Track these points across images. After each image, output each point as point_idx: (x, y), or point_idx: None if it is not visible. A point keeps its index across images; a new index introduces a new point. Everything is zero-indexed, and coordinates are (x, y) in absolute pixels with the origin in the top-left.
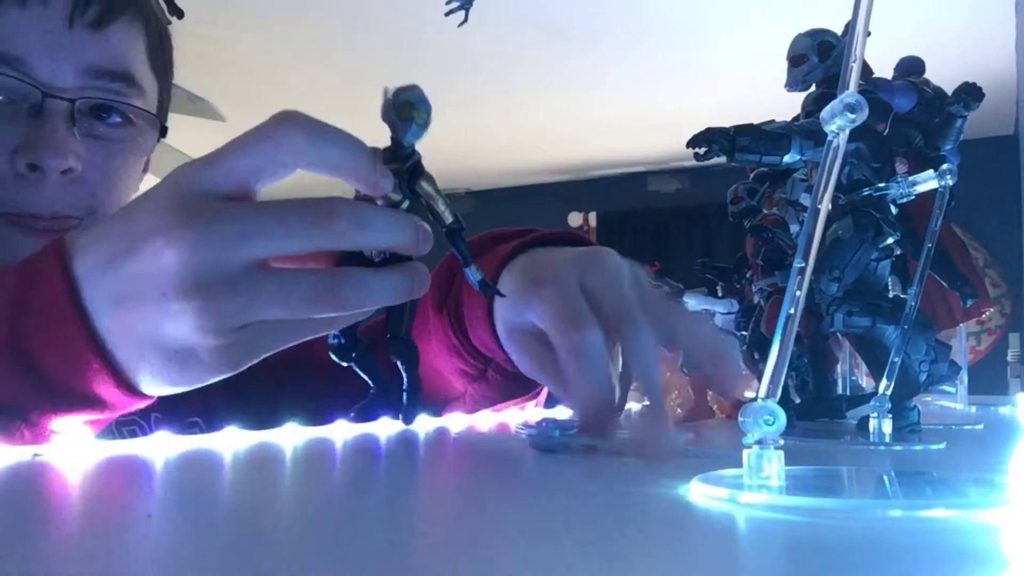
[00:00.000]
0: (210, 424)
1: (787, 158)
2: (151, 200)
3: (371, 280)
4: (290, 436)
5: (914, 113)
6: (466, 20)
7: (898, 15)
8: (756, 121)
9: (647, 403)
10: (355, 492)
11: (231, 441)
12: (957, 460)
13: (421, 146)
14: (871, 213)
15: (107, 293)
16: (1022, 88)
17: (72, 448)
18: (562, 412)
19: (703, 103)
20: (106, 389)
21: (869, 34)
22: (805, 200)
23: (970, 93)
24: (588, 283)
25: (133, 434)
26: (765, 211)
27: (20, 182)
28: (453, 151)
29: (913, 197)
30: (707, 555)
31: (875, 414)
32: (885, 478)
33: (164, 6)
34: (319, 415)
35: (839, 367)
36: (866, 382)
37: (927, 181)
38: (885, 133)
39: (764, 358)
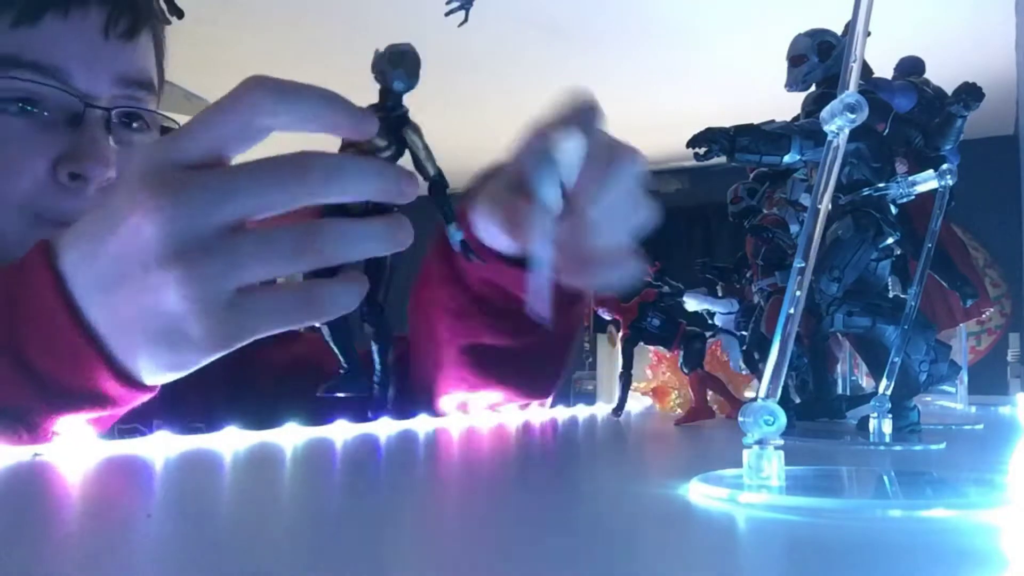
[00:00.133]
0: (212, 428)
1: (787, 158)
2: (124, 182)
3: (351, 228)
4: (290, 436)
5: (914, 113)
6: (466, 20)
7: (898, 15)
8: (756, 121)
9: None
10: (355, 492)
11: (231, 441)
12: (957, 460)
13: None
14: (871, 213)
15: (92, 282)
16: (1022, 88)
17: (72, 448)
18: None
19: (703, 103)
20: (105, 382)
21: (869, 34)
22: (805, 200)
23: (970, 93)
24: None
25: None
26: (765, 211)
27: (61, 191)
28: (453, 151)
29: (913, 197)
30: (707, 555)
31: (875, 414)
32: (885, 478)
33: (164, 6)
34: (318, 417)
35: (839, 367)
36: (866, 382)
37: (927, 181)
38: (885, 133)
39: (764, 358)
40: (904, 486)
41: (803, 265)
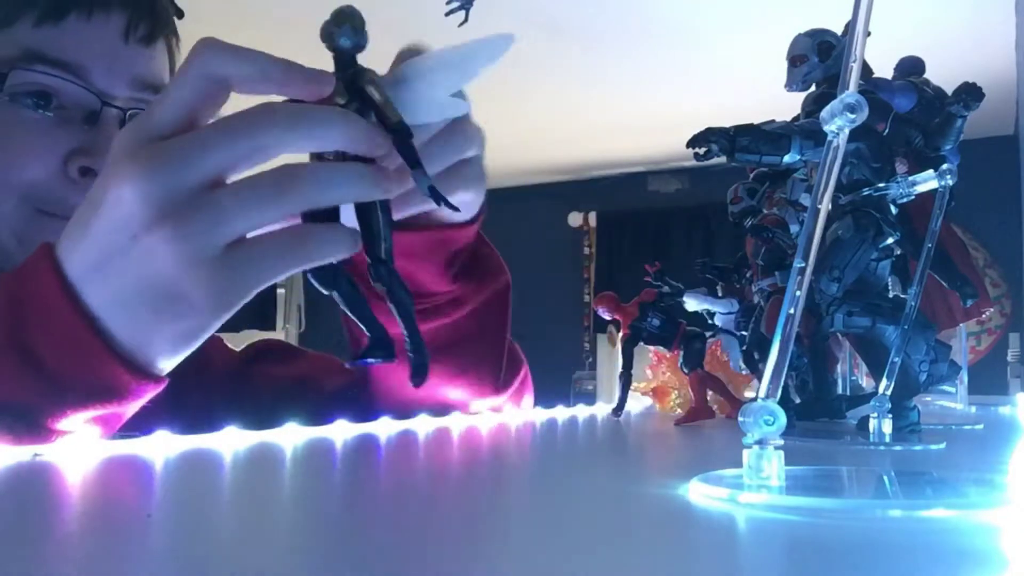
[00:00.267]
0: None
1: (787, 158)
2: (105, 169)
3: (329, 169)
4: (290, 436)
5: (914, 113)
6: (466, 20)
7: (898, 15)
8: (756, 121)
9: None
10: (355, 492)
11: (231, 441)
12: (957, 460)
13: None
14: (871, 213)
15: (87, 263)
16: (1022, 88)
17: (72, 448)
18: None
19: (703, 103)
20: (111, 370)
21: (869, 34)
22: (805, 200)
23: (970, 93)
24: None
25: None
26: (765, 211)
27: (70, 185)
28: None
29: (913, 197)
30: (707, 555)
31: (875, 414)
32: (885, 478)
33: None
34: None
35: (839, 367)
36: (866, 382)
37: (927, 181)
38: (885, 133)
39: (764, 358)
40: (904, 486)
41: (803, 265)
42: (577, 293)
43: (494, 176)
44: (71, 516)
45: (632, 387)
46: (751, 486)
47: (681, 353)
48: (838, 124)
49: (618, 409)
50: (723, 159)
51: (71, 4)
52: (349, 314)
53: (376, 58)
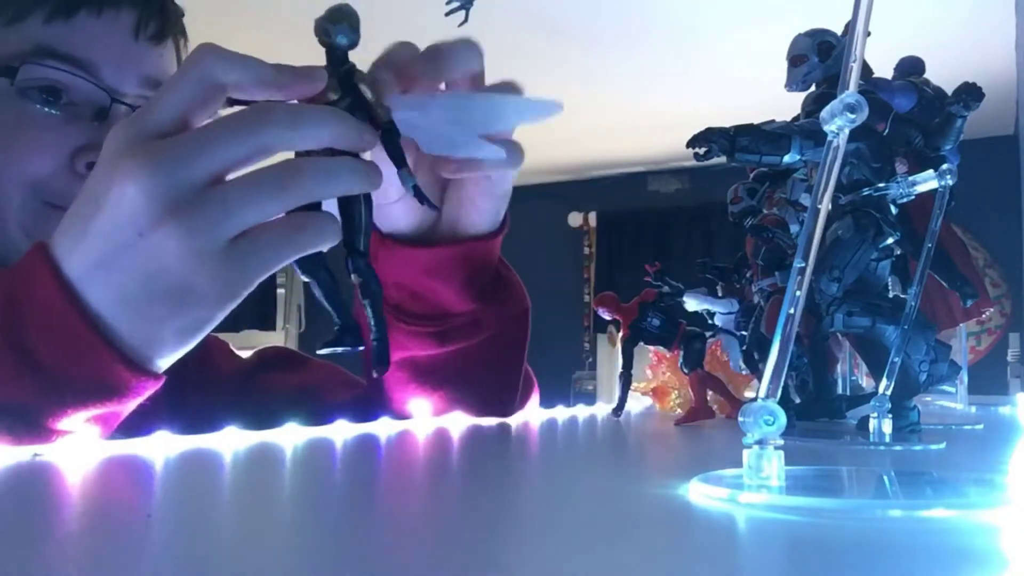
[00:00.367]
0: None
1: (787, 158)
2: (100, 163)
3: (328, 163)
4: (290, 436)
5: (914, 113)
6: (466, 20)
7: (898, 15)
8: (756, 121)
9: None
10: (355, 492)
11: (231, 441)
12: (957, 460)
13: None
14: (871, 213)
15: (89, 262)
16: (1022, 88)
17: (72, 448)
18: None
19: (703, 103)
20: (110, 367)
21: (869, 34)
22: (805, 200)
23: (970, 93)
24: None
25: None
26: (765, 211)
27: (78, 181)
28: None
29: (913, 197)
30: (707, 555)
31: (875, 414)
32: (885, 478)
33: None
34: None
35: (839, 367)
36: (866, 382)
37: (927, 181)
38: (885, 133)
39: (764, 358)
40: (904, 486)
41: (803, 265)
42: (577, 293)
43: None
44: (71, 516)
45: (632, 387)
46: (751, 486)
47: (681, 353)
48: (838, 124)
49: (618, 409)
50: (723, 159)
51: (82, 1)
52: (323, 301)
53: (374, 57)
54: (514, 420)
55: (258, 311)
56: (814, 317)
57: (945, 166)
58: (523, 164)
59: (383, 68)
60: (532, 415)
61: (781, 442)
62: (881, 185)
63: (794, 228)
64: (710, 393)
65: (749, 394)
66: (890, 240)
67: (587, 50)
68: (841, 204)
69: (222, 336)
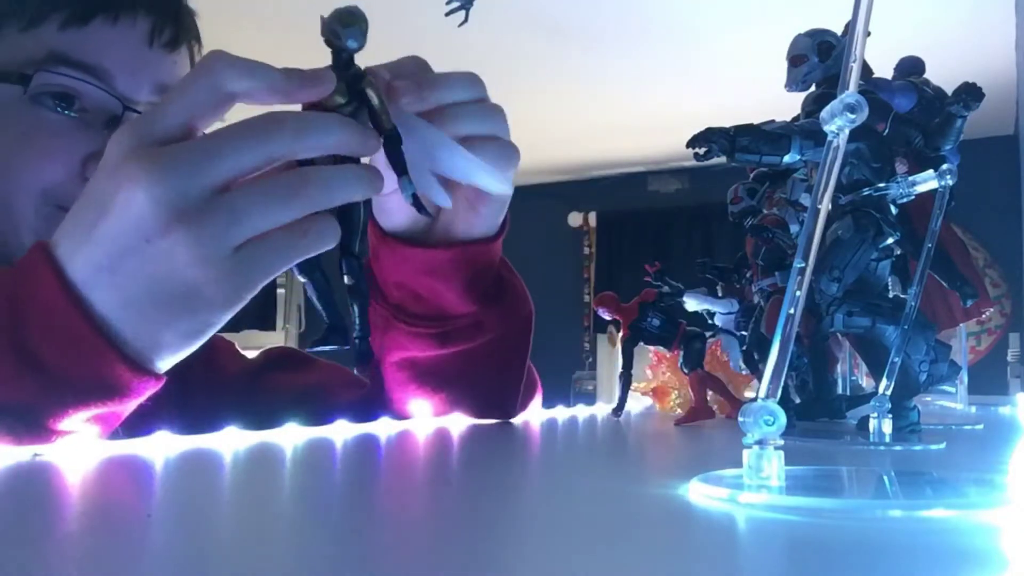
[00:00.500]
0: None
1: (787, 158)
2: (104, 166)
3: (335, 172)
4: (290, 436)
5: (914, 113)
6: (466, 20)
7: (898, 15)
8: (756, 121)
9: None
10: (355, 492)
11: (231, 441)
12: (957, 460)
13: None
14: (871, 213)
15: (94, 265)
16: (1022, 88)
17: (72, 448)
18: None
19: (703, 103)
20: (111, 367)
21: (869, 34)
22: (805, 200)
23: (970, 93)
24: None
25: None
26: (765, 211)
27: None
28: None
29: (913, 197)
30: (707, 555)
31: (875, 414)
32: (885, 478)
33: None
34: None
35: (839, 367)
36: (866, 382)
37: (927, 181)
38: (885, 133)
39: (764, 358)
40: (904, 486)
41: (803, 265)
42: (577, 293)
43: None
44: (71, 516)
45: (632, 387)
46: (751, 486)
47: (681, 353)
48: (838, 124)
49: (618, 409)
50: (723, 159)
51: (97, 8)
52: (315, 301)
53: (374, 58)
54: (514, 420)
55: (258, 311)
56: (814, 317)
57: (945, 166)
58: (523, 164)
59: (396, 77)
60: (532, 415)
61: (781, 442)
62: (881, 185)
63: (794, 228)
64: (710, 393)
65: (749, 394)
66: (890, 240)
67: (587, 50)
68: (841, 204)
69: (225, 336)
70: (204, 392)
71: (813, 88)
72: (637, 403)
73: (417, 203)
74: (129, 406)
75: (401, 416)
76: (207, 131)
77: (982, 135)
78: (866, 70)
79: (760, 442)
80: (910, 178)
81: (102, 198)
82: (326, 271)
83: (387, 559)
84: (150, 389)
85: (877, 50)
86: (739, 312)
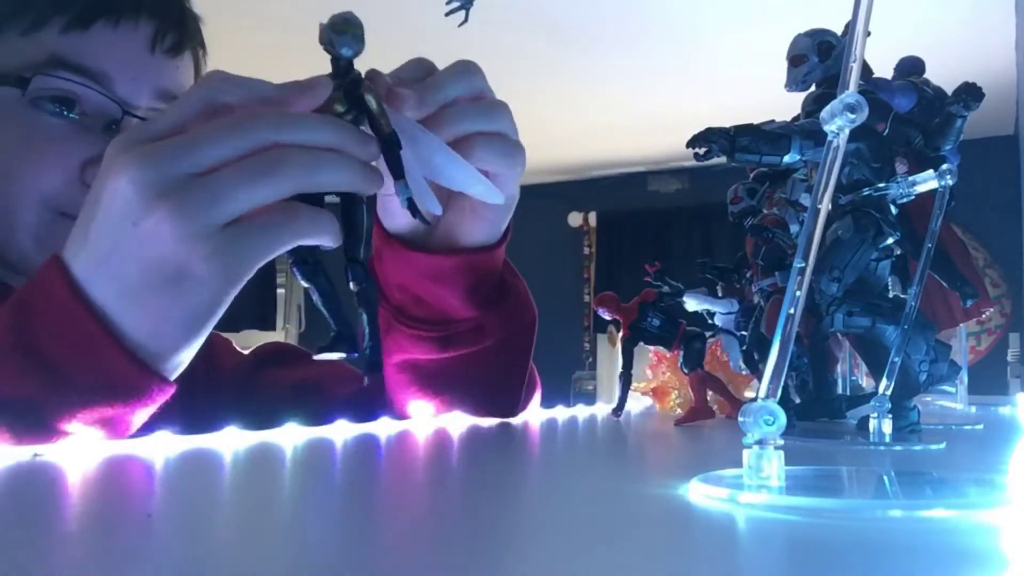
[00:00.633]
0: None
1: (787, 158)
2: (101, 171)
3: (318, 153)
4: (290, 436)
5: (914, 113)
6: (466, 20)
7: (898, 15)
8: (756, 121)
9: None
10: (355, 492)
11: (231, 441)
12: (957, 460)
13: None
14: (871, 213)
15: (92, 259)
16: (1022, 88)
17: (72, 448)
18: None
19: (703, 103)
20: (118, 364)
21: (869, 34)
22: (805, 200)
23: (970, 93)
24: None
25: None
26: (765, 211)
27: (86, 192)
28: None
29: (913, 197)
30: (707, 555)
31: (875, 414)
32: (885, 478)
33: None
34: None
35: (839, 367)
36: (866, 382)
37: (927, 181)
38: (885, 133)
39: (764, 358)
40: (904, 486)
41: (803, 265)
42: (577, 293)
43: None
44: (71, 516)
45: (632, 387)
46: (751, 486)
47: (681, 353)
48: (838, 124)
49: (618, 409)
50: (723, 159)
51: (99, 12)
52: (321, 308)
53: (374, 60)
54: (514, 420)
55: (258, 311)
56: (814, 317)
57: (945, 166)
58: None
59: (398, 83)
60: (532, 415)
61: (781, 442)
62: (881, 185)
63: (794, 228)
64: (710, 393)
65: (749, 394)
66: (890, 240)
67: (587, 50)
68: (841, 204)
69: (222, 335)
70: (205, 390)
71: (813, 88)
72: (637, 403)
73: (413, 208)
74: (137, 410)
75: (401, 417)
76: None
77: (982, 135)
78: (866, 70)
79: (760, 442)
80: (910, 178)
81: (95, 194)
82: (332, 279)
83: (387, 559)
84: (157, 391)
85: (877, 50)
86: (739, 312)
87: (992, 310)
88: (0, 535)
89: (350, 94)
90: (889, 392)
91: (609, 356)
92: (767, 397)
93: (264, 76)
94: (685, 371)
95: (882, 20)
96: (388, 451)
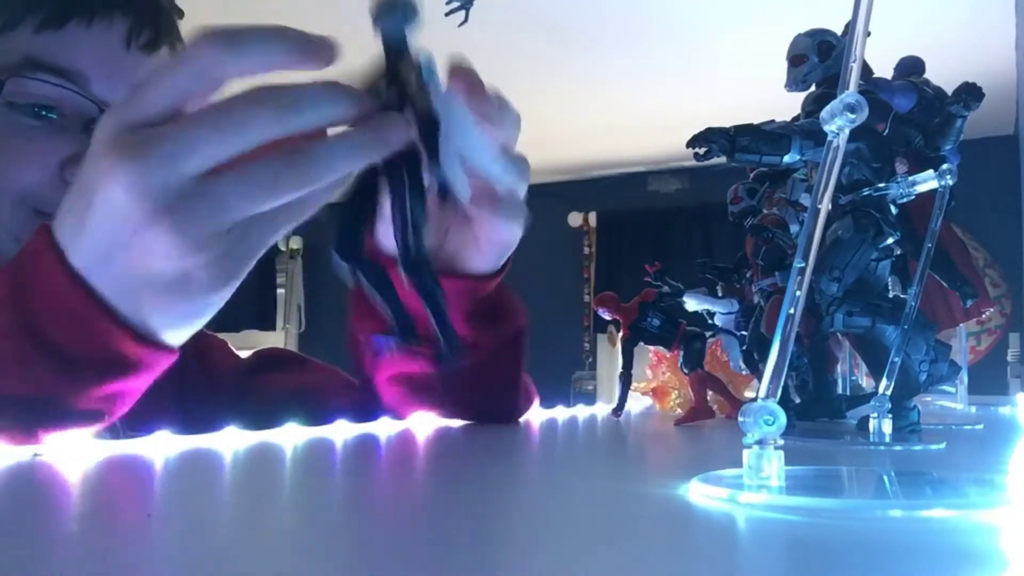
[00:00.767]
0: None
1: (787, 158)
2: (90, 154)
3: (327, 146)
4: (290, 436)
5: (914, 113)
6: (466, 20)
7: (898, 15)
8: (756, 121)
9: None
10: (355, 492)
11: (231, 441)
12: (957, 460)
13: None
14: (871, 213)
15: (88, 255)
16: (1022, 88)
17: (72, 448)
18: None
19: (703, 103)
20: (122, 344)
21: (869, 34)
22: (805, 200)
23: (970, 93)
24: None
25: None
26: (765, 211)
27: (65, 190)
28: None
29: (913, 197)
30: (707, 555)
31: (875, 414)
32: (885, 478)
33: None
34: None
35: (839, 367)
36: (866, 382)
37: (927, 181)
38: (885, 133)
39: (764, 358)
40: (904, 486)
41: (803, 265)
42: (577, 293)
43: None
44: (71, 516)
45: (632, 387)
46: (751, 486)
47: (681, 353)
48: (838, 124)
49: (618, 409)
50: (723, 159)
51: (72, 10)
52: (377, 298)
53: (367, 56)
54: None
55: (258, 311)
56: (814, 317)
57: (945, 166)
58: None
59: (458, 76)
60: (532, 415)
61: (781, 442)
62: (881, 185)
63: (794, 228)
64: (710, 393)
65: (749, 394)
66: (890, 240)
67: (587, 50)
68: (841, 204)
69: (221, 336)
70: (200, 389)
71: (813, 88)
72: (637, 403)
73: (443, 191)
74: (145, 381)
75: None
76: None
77: (982, 135)
78: (866, 70)
79: (760, 442)
80: (910, 178)
81: (87, 191)
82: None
83: (387, 559)
84: (163, 362)
85: (877, 50)
86: (739, 312)
87: (992, 310)
88: (0, 535)
89: (391, 71)
90: (889, 392)
91: (609, 356)
92: (767, 397)
93: (262, 77)
94: (685, 371)
95: (882, 20)
96: (388, 451)
